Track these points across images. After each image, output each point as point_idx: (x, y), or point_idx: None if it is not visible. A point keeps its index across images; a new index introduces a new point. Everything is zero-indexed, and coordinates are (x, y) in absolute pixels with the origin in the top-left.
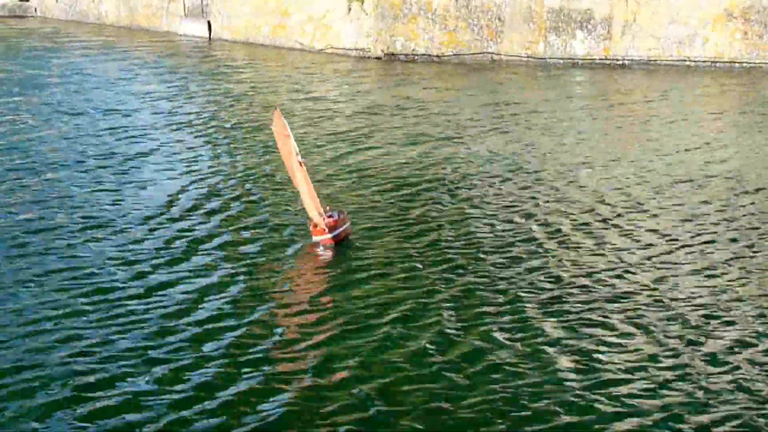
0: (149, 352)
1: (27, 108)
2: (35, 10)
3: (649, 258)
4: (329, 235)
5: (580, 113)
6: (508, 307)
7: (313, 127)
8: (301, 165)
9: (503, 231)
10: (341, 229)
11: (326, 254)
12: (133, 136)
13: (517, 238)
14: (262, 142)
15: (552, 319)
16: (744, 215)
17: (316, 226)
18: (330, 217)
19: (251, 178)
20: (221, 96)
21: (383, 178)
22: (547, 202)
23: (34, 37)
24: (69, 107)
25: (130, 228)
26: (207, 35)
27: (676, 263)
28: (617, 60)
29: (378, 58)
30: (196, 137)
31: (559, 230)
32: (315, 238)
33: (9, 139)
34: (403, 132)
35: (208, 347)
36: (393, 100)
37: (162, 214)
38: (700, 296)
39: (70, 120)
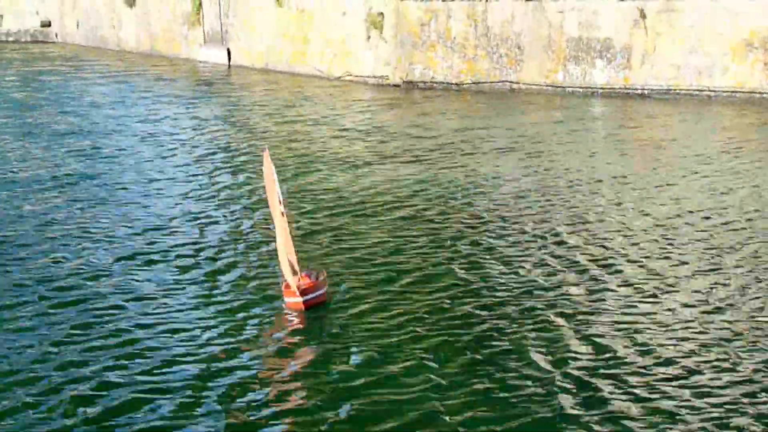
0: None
1: (34, 129)
2: (56, 35)
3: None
4: (300, 299)
5: (599, 143)
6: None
7: (326, 155)
8: (282, 215)
9: (519, 276)
10: (316, 294)
11: (295, 320)
12: (133, 162)
13: (532, 284)
14: (288, 181)
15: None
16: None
17: (288, 286)
18: (307, 276)
19: (244, 218)
20: (234, 124)
21: (391, 208)
22: (587, 244)
23: (53, 62)
24: (78, 130)
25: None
26: (226, 62)
27: (699, 294)
28: (636, 89)
29: (396, 86)
30: (199, 167)
31: (579, 272)
32: (285, 300)
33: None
34: (430, 163)
35: None
36: (410, 129)
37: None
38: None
39: (79, 142)
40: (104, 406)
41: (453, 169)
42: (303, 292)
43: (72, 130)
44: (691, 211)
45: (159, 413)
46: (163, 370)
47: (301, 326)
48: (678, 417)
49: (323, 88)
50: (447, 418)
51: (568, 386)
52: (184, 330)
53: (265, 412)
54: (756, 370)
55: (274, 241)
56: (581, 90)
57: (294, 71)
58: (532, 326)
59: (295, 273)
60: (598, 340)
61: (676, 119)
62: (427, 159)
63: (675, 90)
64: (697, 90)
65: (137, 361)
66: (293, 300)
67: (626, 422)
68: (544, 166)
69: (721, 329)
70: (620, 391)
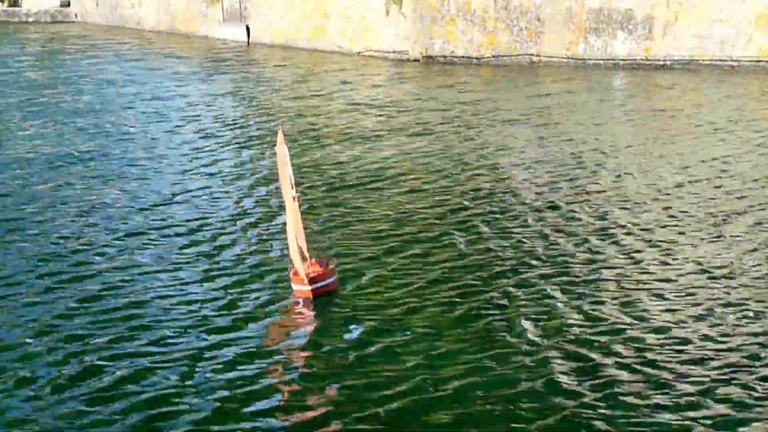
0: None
1: (53, 108)
2: (76, 15)
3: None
4: (308, 287)
5: (621, 116)
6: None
7: (346, 131)
8: (294, 200)
9: (521, 246)
10: (325, 283)
11: (304, 308)
12: (144, 139)
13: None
14: (291, 153)
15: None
16: None
17: (296, 273)
18: (316, 263)
19: (255, 197)
20: (249, 100)
21: (397, 181)
22: (589, 216)
23: (71, 42)
24: (91, 108)
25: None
26: (245, 39)
27: (725, 272)
28: (658, 60)
29: (416, 61)
30: (210, 144)
31: (601, 248)
32: (294, 287)
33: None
34: (439, 136)
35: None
36: (431, 103)
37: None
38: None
39: (91, 120)
40: (112, 376)
41: (463, 142)
42: (312, 281)
43: (85, 108)
44: (691, 181)
45: (162, 384)
46: (168, 342)
47: (307, 306)
48: (669, 382)
49: (342, 64)
50: (444, 387)
51: (563, 353)
52: (188, 308)
53: (266, 384)
54: (749, 340)
55: (284, 223)
56: (602, 62)
57: (314, 48)
58: (529, 296)
59: (304, 260)
60: (595, 309)
61: (695, 90)
62: (438, 132)
63: (698, 60)
64: (720, 60)
65: (142, 333)
66: (301, 288)
67: (619, 387)
68: (553, 138)
69: (719, 297)
70: (613, 359)
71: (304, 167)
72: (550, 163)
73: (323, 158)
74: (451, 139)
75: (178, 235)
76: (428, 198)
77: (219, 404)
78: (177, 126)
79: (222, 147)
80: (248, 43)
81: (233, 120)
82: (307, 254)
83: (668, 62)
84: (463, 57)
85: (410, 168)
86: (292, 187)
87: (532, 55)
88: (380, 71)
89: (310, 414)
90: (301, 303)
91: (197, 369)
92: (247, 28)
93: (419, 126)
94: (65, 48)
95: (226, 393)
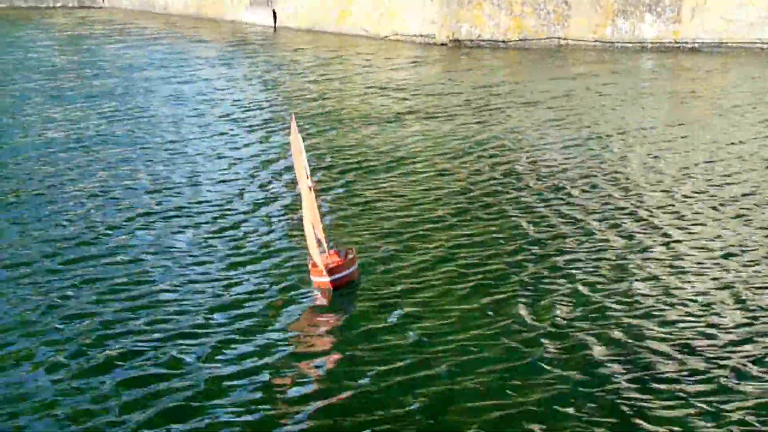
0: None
1: (77, 92)
2: (103, 0)
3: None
4: (327, 279)
5: (647, 98)
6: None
7: (366, 114)
8: (309, 190)
9: (528, 228)
10: (344, 273)
11: (323, 299)
12: (176, 123)
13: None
14: (312, 136)
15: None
16: None
17: (315, 265)
18: (335, 254)
19: (281, 183)
20: (278, 85)
21: (412, 162)
22: (613, 197)
23: (97, 27)
24: (112, 93)
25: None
26: (272, 23)
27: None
28: (687, 43)
29: (443, 45)
30: (240, 128)
31: (630, 234)
32: (312, 279)
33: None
34: (466, 120)
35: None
36: (457, 87)
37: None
38: None
39: (112, 104)
40: (126, 350)
41: (485, 125)
42: (331, 272)
43: (109, 92)
44: (696, 164)
45: (183, 377)
46: (185, 335)
47: (326, 297)
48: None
49: (368, 48)
50: (470, 377)
51: (597, 337)
52: (206, 300)
53: (293, 375)
54: (747, 321)
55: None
56: (630, 45)
57: (340, 32)
58: (561, 280)
59: (322, 251)
60: (630, 292)
61: (723, 72)
62: (460, 114)
63: (726, 43)
64: (749, 42)
65: (157, 311)
66: (320, 279)
67: (655, 374)
68: (576, 120)
69: (721, 278)
70: (650, 343)
71: (323, 150)
72: (571, 145)
73: (342, 141)
74: (472, 121)
75: (197, 224)
76: (448, 181)
77: (236, 394)
78: (200, 110)
79: (244, 131)
80: (275, 27)
81: (256, 103)
82: (325, 245)
83: (697, 45)
84: (489, 41)
85: (431, 150)
86: (308, 177)
87: (559, 38)
88: (406, 55)
89: (331, 405)
90: (320, 294)
91: (215, 361)
92: (274, 13)
93: (439, 109)
94: (92, 33)
95: (246, 385)
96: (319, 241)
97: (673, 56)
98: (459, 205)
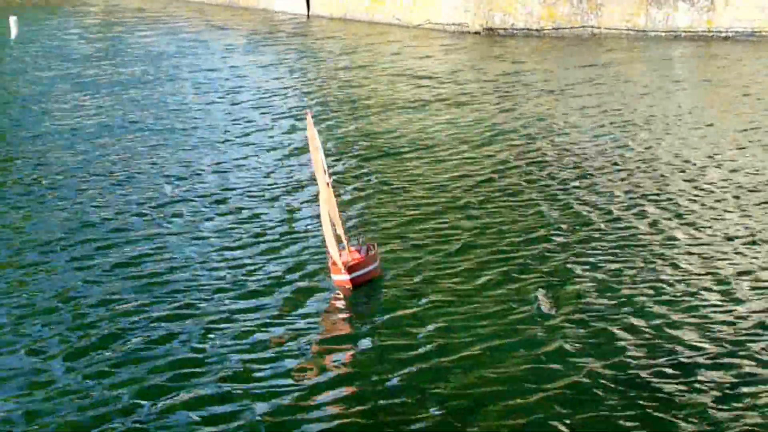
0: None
1: (105, 79)
2: None
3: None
4: (347, 277)
5: (681, 88)
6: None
7: (402, 102)
8: (327, 186)
9: (542, 216)
10: (365, 270)
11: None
12: (203, 110)
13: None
14: (341, 123)
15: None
16: None
17: (335, 263)
18: (356, 251)
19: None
20: (307, 72)
21: (431, 150)
22: (641, 182)
23: (131, 15)
24: (149, 80)
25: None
26: (305, 11)
27: None
28: (720, 32)
29: (476, 33)
30: (271, 116)
31: (664, 227)
32: (333, 278)
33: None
34: (495, 108)
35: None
36: (488, 75)
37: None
38: None
39: (149, 91)
40: (142, 338)
41: (512, 112)
42: (350, 269)
43: (138, 79)
44: (724, 152)
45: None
46: (207, 333)
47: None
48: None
49: (401, 37)
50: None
51: (627, 326)
52: (226, 293)
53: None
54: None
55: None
56: (663, 34)
57: (373, 20)
58: (590, 268)
59: (342, 248)
60: (658, 280)
61: (756, 61)
62: (488, 102)
63: (760, 32)
64: None
65: (183, 296)
66: (340, 278)
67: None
68: (599, 109)
69: (745, 265)
70: (678, 331)
71: (351, 136)
72: (600, 134)
73: (370, 127)
74: (501, 109)
75: (223, 211)
76: (475, 168)
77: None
78: (229, 97)
79: (274, 117)
80: (308, 15)
81: (285, 91)
82: (345, 242)
83: (730, 34)
84: (523, 29)
85: (460, 138)
86: (326, 173)
87: (592, 27)
88: (438, 43)
89: (356, 393)
90: (341, 292)
91: (237, 355)
92: (307, 1)
93: (469, 97)
94: (123, 20)
95: (271, 372)
96: (338, 238)
97: (706, 45)
98: (486, 192)
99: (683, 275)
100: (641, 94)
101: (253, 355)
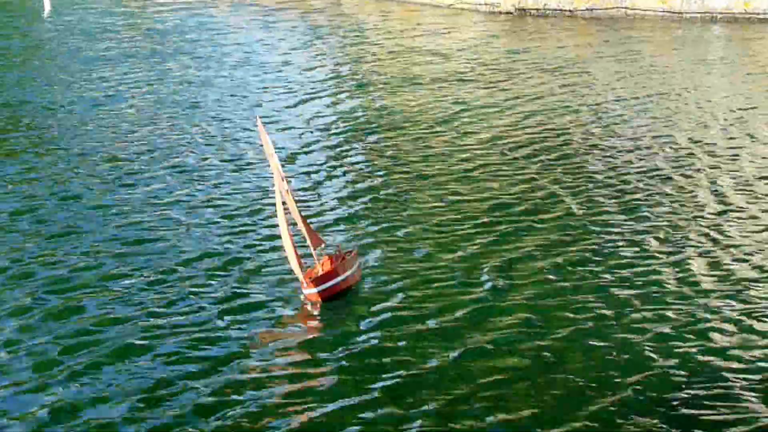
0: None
1: (141, 54)
2: None
3: None
4: (314, 290)
5: (718, 72)
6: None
7: (429, 81)
8: (287, 193)
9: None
10: (335, 282)
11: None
12: (237, 89)
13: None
14: (372, 100)
15: None
16: None
17: (309, 274)
18: (329, 260)
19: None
20: (337, 51)
21: (490, 138)
22: (673, 162)
23: None
24: (188, 57)
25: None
26: None
27: None
28: (758, 14)
29: (509, 13)
30: (301, 93)
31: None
32: (304, 292)
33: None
34: (523, 87)
35: None
36: (521, 56)
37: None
38: None
39: (185, 69)
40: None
41: (540, 92)
42: (318, 281)
43: (167, 55)
44: (756, 134)
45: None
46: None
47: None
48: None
49: (432, 17)
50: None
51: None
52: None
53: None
54: None
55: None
56: (699, 15)
57: (407, 0)
58: (619, 259)
59: (300, 266)
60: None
61: None
62: (517, 81)
63: None
64: None
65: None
66: (308, 291)
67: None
68: (631, 90)
69: None
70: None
71: (380, 113)
72: (630, 114)
73: (399, 105)
74: (530, 87)
75: (248, 187)
76: (500, 148)
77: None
78: (259, 74)
79: (303, 94)
80: None
81: (315, 68)
82: (313, 250)
83: None
84: (556, 10)
85: (485, 117)
86: (283, 179)
87: (626, 8)
88: (469, 23)
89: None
90: (312, 307)
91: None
92: None
93: (500, 76)
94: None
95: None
96: (316, 243)
97: (742, 27)
98: (510, 170)
99: (714, 268)
100: (676, 75)
101: (228, 371)
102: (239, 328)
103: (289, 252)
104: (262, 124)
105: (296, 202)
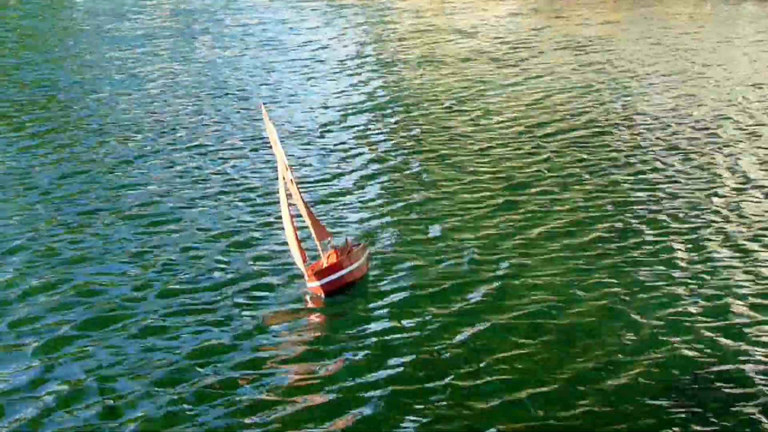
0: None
1: (182, 36)
2: None
3: None
4: (317, 283)
5: (746, 51)
6: None
7: (457, 63)
8: (291, 183)
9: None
10: (339, 274)
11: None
12: (268, 71)
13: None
14: (405, 78)
15: None
16: None
17: (312, 268)
18: (334, 250)
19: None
20: (368, 34)
21: (518, 116)
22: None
23: None
24: (221, 37)
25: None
26: None
27: None
28: None
29: None
30: (332, 72)
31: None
32: (307, 285)
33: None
34: (551, 70)
35: None
36: (546, 34)
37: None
38: None
39: (220, 50)
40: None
41: (569, 71)
42: (320, 275)
43: (200, 38)
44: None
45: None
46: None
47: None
48: None
49: None
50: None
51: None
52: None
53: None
54: None
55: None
56: None
57: None
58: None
59: (302, 258)
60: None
61: None
62: (517, 59)
63: None
64: None
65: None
66: (312, 285)
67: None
68: (662, 68)
69: None
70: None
71: (414, 90)
72: (662, 93)
73: (431, 82)
74: (560, 65)
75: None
76: (529, 125)
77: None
78: (280, 54)
79: (334, 74)
80: None
81: (347, 48)
82: (318, 242)
83: None
84: None
85: (515, 96)
86: (287, 169)
87: None
88: (496, 1)
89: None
90: (315, 301)
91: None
92: None
93: (531, 53)
94: None
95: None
96: (321, 234)
97: None
98: (529, 149)
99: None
100: (708, 52)
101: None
102: (249, 310)
103: (292, 244)
104: (266, 112)
105: (301, 192)
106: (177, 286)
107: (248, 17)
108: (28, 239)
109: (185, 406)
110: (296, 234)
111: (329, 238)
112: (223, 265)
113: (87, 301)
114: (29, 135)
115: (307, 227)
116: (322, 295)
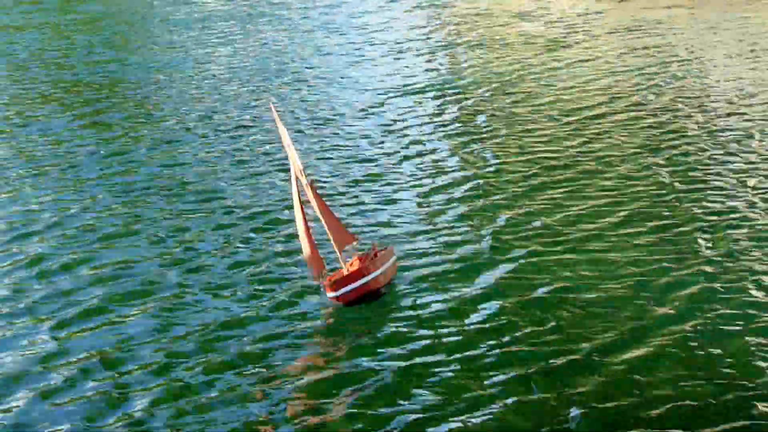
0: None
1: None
2: None
3: None
4: (334, 294)
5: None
6: None
7: (533, 49)
8: (308, 186)
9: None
10: (359, 284)
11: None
12: (326, 59)
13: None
14: (467, 61)
15: None
16: None
17: (331, 278)
18: (359, 260)
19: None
20: (428, 16)
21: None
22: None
23: None
24: (274, 23)
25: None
26: None
27: None
28: None
29: None
30: (391, 58)
31: None
32: (327, 295)
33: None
34: (613, 51)
35: None
36: (616, 21)
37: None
38: None
39: (273, 36)
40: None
41: (632, 61)
42: (336, 286)
43: (259, 25)
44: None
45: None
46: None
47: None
48: None
49: None
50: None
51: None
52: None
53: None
54: None
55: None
56: None
57: None
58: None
59: (318, 268)
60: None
61: None
62: (571, 43)
63: None
64: None
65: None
66: (330, 295)
67: None
68: (739, 63)
69: None
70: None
71: (437, 74)
72: (697, 81)
73: (492, 69)
74: (578, 58)
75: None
76: (595, 114)
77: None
78: (351, 41)
79: (393, 59)
80: None
81: (412, 39)
82: (338, 251)
83: None
84: None
85: (581, 83)
86: (302, 173)
87: None
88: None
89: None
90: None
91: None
92: None
93: (598, 41)
94: None
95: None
96: (344, 239)
97: None
98: (565, 132)
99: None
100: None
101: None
102: (278, 288)
103: (307, 255)
104: (277, 113)
105: (321, 196)
106: (208, 262)
107: (305, 1)
108: (68, 216)
109: (207, 377)
110: (312, 244)
111: (354, 243)
112: (253, 246)
113: (121, 274)
114: (78, 115)
115: (327, 235)
116: (341, 304)
